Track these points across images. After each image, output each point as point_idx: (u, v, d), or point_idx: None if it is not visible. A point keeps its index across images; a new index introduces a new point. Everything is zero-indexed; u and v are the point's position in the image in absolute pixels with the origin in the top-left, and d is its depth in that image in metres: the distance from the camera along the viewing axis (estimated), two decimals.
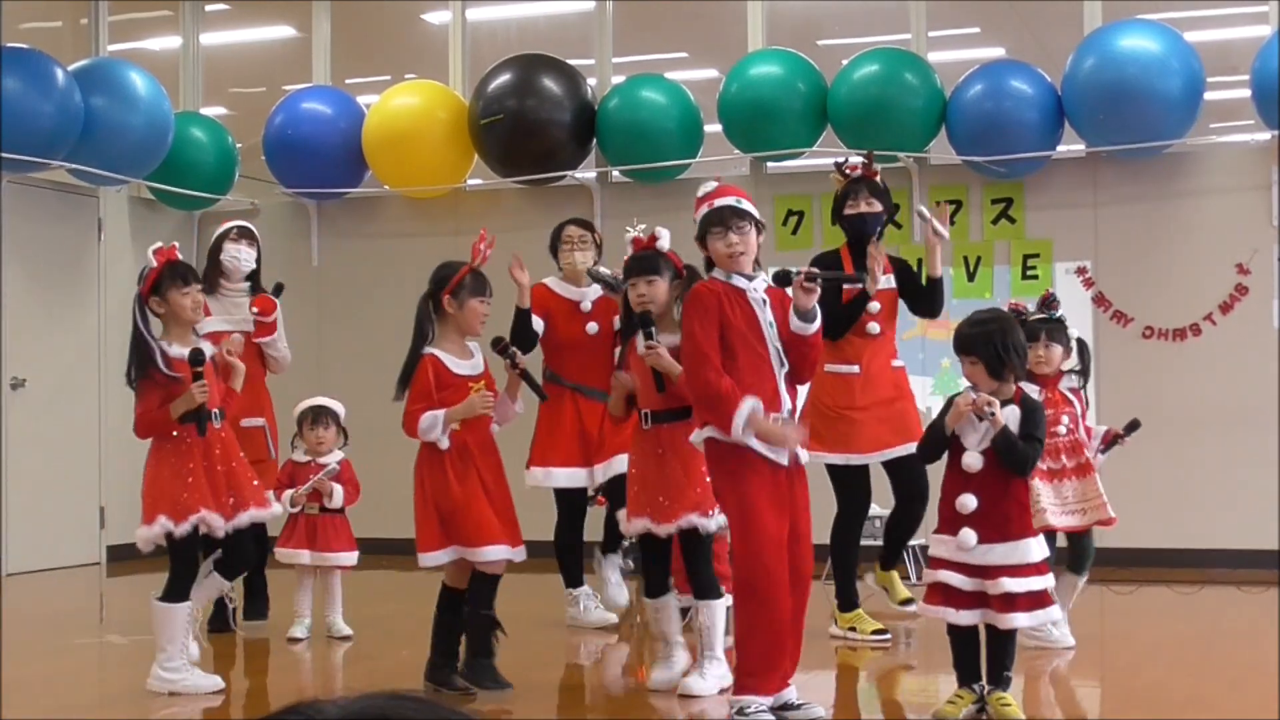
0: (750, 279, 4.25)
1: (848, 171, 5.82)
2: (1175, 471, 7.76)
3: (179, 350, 4.81)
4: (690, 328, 4.18)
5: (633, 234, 4.80)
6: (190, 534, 4.77)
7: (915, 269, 5.88)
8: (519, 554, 4.72)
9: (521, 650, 5.19)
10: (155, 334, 4.86)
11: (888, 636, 5.68)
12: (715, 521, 4.57)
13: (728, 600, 4.56)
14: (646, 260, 4.64)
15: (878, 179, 5.83)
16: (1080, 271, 8.00)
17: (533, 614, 6.24)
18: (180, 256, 4.97)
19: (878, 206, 5.76)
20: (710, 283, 4.26)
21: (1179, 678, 5.09)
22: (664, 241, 4.66)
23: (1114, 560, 7.36)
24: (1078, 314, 7.91)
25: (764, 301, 4.23)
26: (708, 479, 4.49)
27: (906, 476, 5.79)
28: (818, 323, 4.20)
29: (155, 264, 4.86)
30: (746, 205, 4.28)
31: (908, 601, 5.81)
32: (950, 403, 4.26)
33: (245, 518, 4.88)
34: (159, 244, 4.98)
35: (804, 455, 4.27)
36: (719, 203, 4.25)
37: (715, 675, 4.60)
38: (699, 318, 4.16)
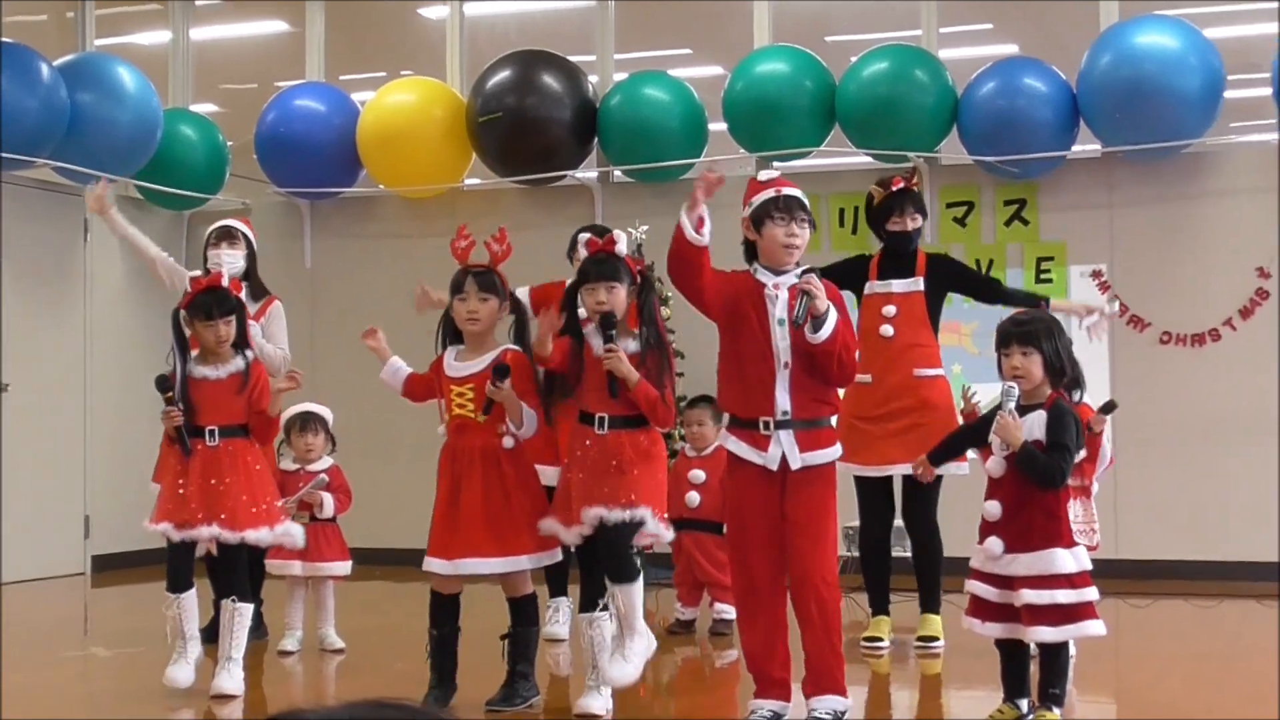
0: (777, 274, 4.31)
1: (892, 187, 5.90)
2: (1194, 481, 7.76)
3: (193, 368, 5.08)
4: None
5: (587, 235, 4.78)
6: (171, 538, 5.04)
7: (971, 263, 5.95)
8: (490, 565, 4.64)
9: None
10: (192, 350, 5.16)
11: (880, 645, 5.82)
12: (660, 528, 4.55)
13: (640, 582, 4.60)
14: (607, 265, 4.60)
15: (917, 189, 5.94)
16: (1096, 275, 8.00)
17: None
18: (224, 284, 5.13)
19: (920, 220, 5.91)
20: (737, 273, 4.41)
21: (1196, 694, 5.08)
22: (622, 245, 4.63)
23: (1130, 573, 7.36)
24: None
25: (776, 299, 4.28)
26: (662, 483, 4.63)
27: (909, 500, 5.83)
28: (824, 331, 4.19)
29: (190, 289, 5.09)
30: (808, 201, 4.39)
31: (928, 639, 5.83)
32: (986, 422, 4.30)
33: (206, 533, 4.97)
34: (198, 272, 5.27)
35: (795, 461, 4.27)
36: (787, 191, 4.34)
37: (637, 650, 4.56)
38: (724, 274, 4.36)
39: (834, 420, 4.47)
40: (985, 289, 6.00)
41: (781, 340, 4.25)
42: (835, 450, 4.38)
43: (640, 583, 4.61)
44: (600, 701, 4.61)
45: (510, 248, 4.79)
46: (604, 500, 4.53)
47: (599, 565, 4.65)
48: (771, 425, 4.27)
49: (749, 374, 4.30)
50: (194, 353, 5.13)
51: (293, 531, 5.22)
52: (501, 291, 4.75)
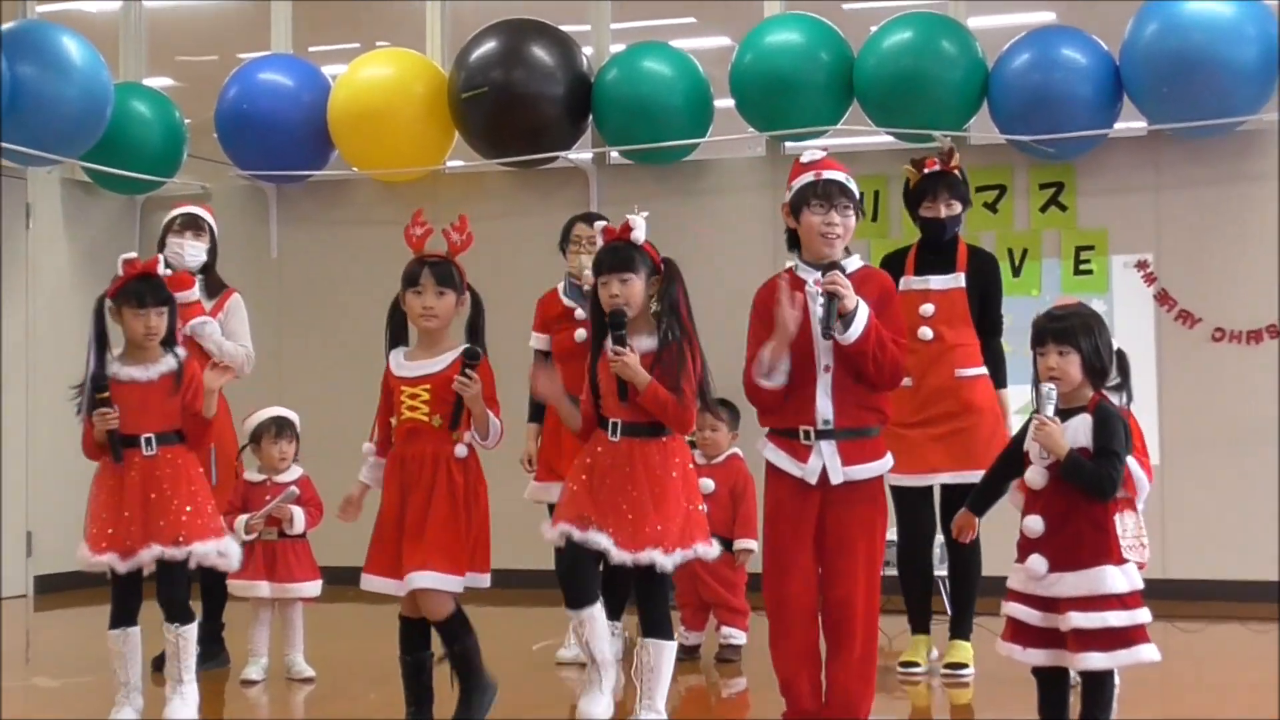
0: (819, 268, 4.29)
1: (925, 168, 5.89)
2: (1250, 493, 7.72)
3: (118, 370, 5.00)
4: (750, 329, 4.40)
5: (603, 224, 4.74)
6: (118, 570, 4.98)
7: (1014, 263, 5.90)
8: (437, 580, 4.60)
9: (520, 691, 5.15)
10: (115, 346, 5.06)
11: (917, 670, 5.86)
12: (673, 560, 4.53)
13: (674, 644, 4.65)
14: (621, 255, 4.57)
15: (957, 172, 5.91)
16: (1140, 265, 7.98)
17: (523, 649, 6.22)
18: (161, 270, 5.08)
19: (957, 207, 5.91)
20: (775, 280, 4.37)
21: None
22: (639, 232, 4.60)
23: (1179, 593, 7.33)
24: (1138, 313, 7.92)
25: (817, 296, 4.26)
26: (692, 507, 4.59)
27: (950, 511, 5.81)
28: (854, 330, 4.18)
29: (121, 273, 5.03)
30: (854, 185, 4.37)
31: (957, 666, 5.84)
32: (1017, 444, 4.26)
33: (147, 555, 4.94)
34: (133, 255, 5.15)
35: (836, 474, 4.29)
36: (827, 175, 4.34)
37: None
38: (755, 320, 4.38)
39: (879, 430, 4.42)
40: (988, 324, 5.96)
41: (821, 342, 4.25)
42: (884, 463, 4.38)
43: (673, 646, 4.62)
44: (593, 709, 4.61)
45: (471, 237, 4.76)
46: (615, 533, 4.50)
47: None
48: (812, 435, 4.29)
49: (795, 378, 4.29)
50: (115, 352, 5.06)
51: (229, 551, 5.13)
52: (460, 285, 4.73)
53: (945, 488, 5.84)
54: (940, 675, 5.85)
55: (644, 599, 4.65)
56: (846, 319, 4.17)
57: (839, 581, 4.31)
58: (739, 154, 8.80)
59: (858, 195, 4.39)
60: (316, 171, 9.04)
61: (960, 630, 5.90)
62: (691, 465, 4.70)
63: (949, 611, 6.00)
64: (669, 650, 4.61)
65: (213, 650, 6.10)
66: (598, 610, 4.61)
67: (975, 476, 5.70)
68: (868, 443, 4.34)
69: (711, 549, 4.65)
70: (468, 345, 4.66)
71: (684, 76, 8.38)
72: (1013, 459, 4.37)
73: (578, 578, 4.60)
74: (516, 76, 8.32)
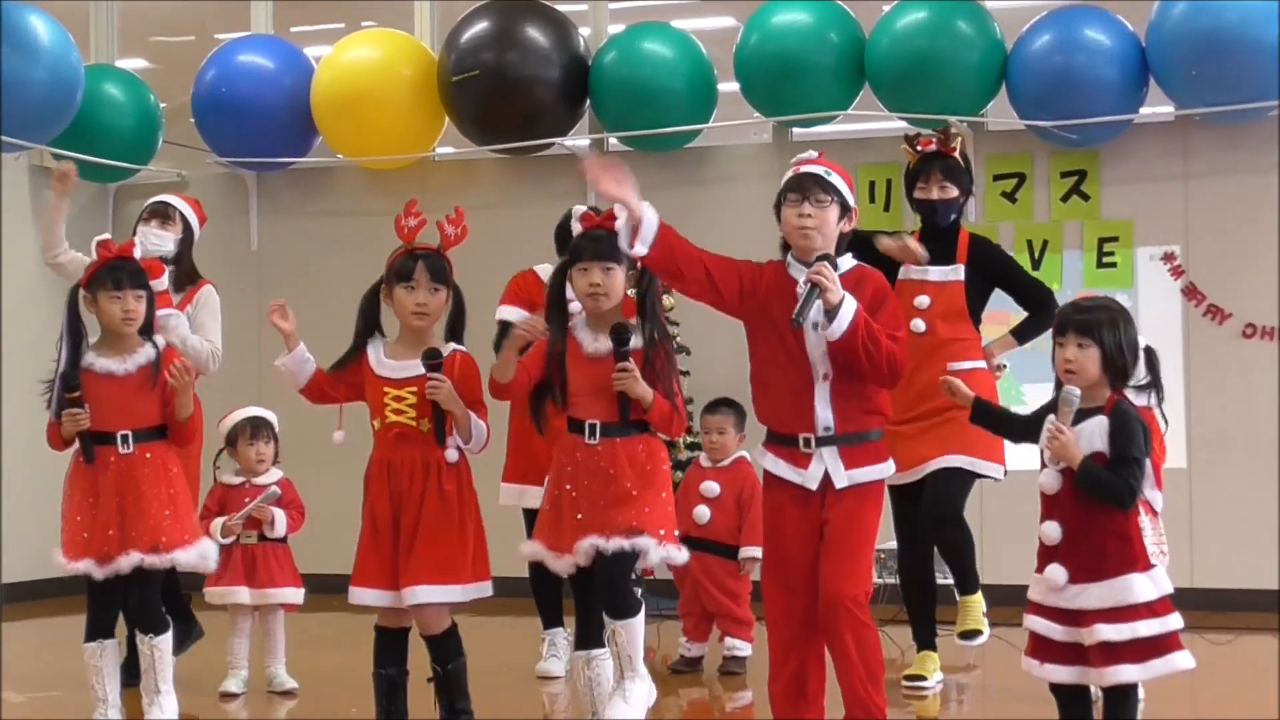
0: (813, 260, 4.29)
1: (919, 147, 5.91)
2: None
3: (94, 360, 4.96)
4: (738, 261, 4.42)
5: (581, 209, 4.73)
6: (95, 578, 4.95)
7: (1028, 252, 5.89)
8: (432, 594, 4.61)
9: (499, 704, 5.17)
10: (91, 336, 5.02)
11: (924, 685, 5.82)
12: (660, 551, 4.56)
13: (641, 614, 4.66)
14: (605, 244, 4.56)
15: (955, 155, 5.92)
16: (1167, 258, 8.00)
17: (503, 662, 6.25)
18: (137, 253, 5.07)
19: (952, 191, 5.89)
20: (771, 264, 4.40)
21: None
22: (622, 221, 4.49)
23: (1208, 603, 7.33)
24: (1164, 308, 7.93)
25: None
26: (666, 501, 4.63)
27: (932, 492, 5.82)
28: (839, 324, 4.18)
29: (95, 256, 5.01)
30: (836, 179, 4.37)
31: (970, 634, 5.83)
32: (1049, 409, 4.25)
33: (126, 562, 4.91)
34: (106, 235, 5.14)
35: (840, 479, 4.31)
36: (804, 169, 4.37)
37: (639, 695, 4.62)
38: (748, 264, 4.39)
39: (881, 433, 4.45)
40: (1033, 295, 5.94)
41: (817, 348, 4.26)
42: (886, 467, 4.40)
43: (641, 619, 4.64)
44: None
45: (466, 230, 4.76)
46: (599, 529, 4.54)
47: (596, 598, 4.68)
48: (813, 442, 4.31)
49: (784, 386, 4.32)
50: (91, 341, 5.03)
51: (208, 553, 5.13)
52: (450, 281, 4.73)
53: (932, 473, 5.76)
54: (964, 645, 5.87)
55: (610, 585, 4.61)
56: (831, 313, 4.18)
57: (828, 581, 4.29)
58: (744, 141, 8.80)
59: (844, 190, 4.37)
60: (299, 159, 9.04)
61: (966, 587, 5.85)
62: (666, 467, 4.72)
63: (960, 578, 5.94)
64: (639, 622, 4.62)
65: (185, 627, 6.07)
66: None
67: (965, 462, 5.72)
68: (870, 446, 4.36)
69: (680, 554, 4.67)
70: (426, 347, 4.63)
71: (686, 59, 8.39)
72: (1029, 423, 4.31)
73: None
74: (510, 59, 8.33)
